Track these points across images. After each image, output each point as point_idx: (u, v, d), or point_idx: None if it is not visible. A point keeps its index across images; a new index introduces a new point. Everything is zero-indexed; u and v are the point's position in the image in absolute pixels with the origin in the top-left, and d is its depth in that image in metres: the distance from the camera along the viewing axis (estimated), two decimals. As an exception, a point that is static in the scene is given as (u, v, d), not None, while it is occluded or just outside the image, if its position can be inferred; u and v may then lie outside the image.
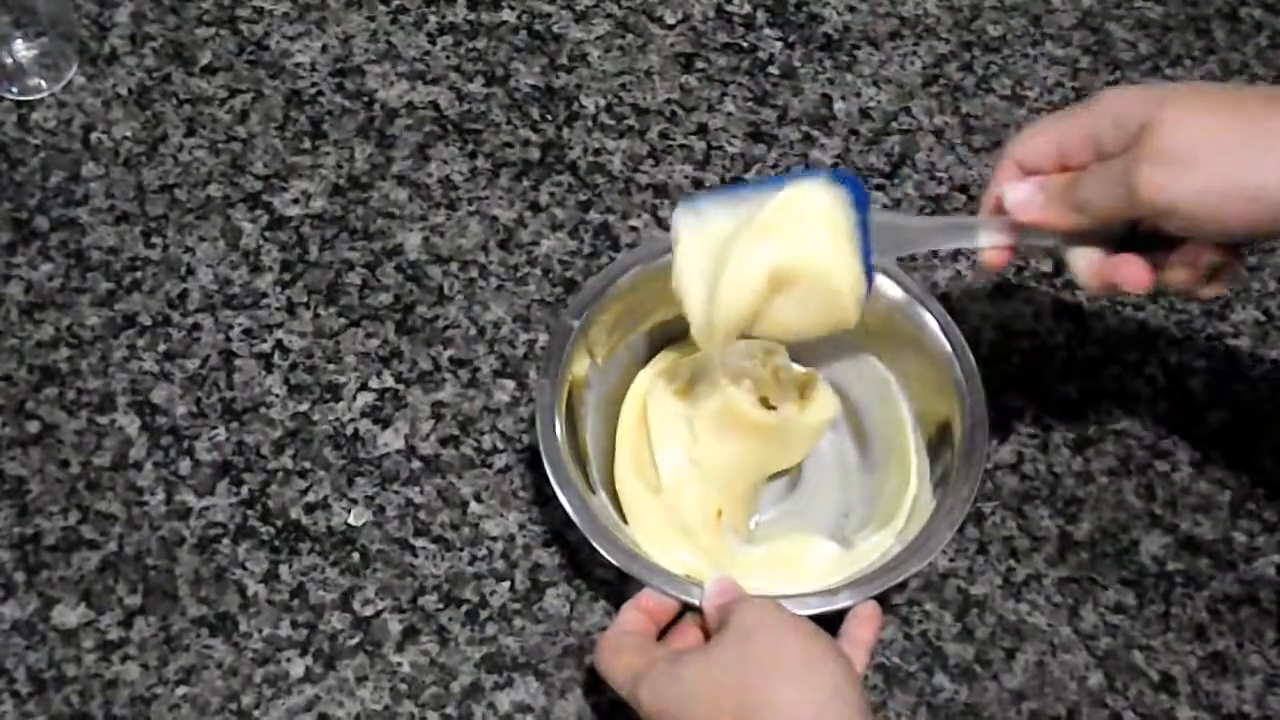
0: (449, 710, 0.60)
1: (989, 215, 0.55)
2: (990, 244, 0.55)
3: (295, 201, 0.74)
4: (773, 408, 0.63)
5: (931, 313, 0.62)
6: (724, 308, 0.55)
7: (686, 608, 0.56)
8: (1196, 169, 0.48)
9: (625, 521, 0.61)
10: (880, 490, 0.63)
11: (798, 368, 0.66)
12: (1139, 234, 0.51)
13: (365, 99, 0.78)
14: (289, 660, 0.61)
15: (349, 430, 0.67)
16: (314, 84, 0.79)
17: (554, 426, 0.59)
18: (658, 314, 0.65)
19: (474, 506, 0.65)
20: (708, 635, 0.54)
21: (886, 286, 0.62)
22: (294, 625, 0.62)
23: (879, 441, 0.65)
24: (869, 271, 0.54)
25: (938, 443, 0.61)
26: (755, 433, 0.62)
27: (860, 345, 0.64)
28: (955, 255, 0.74)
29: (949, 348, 0.61)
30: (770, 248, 0.54)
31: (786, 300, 0.55)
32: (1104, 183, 0.50)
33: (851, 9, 0.84)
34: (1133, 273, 0.52)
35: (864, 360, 0.65)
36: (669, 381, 0.64)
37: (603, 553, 0.56)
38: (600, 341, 0.63)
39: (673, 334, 0.66)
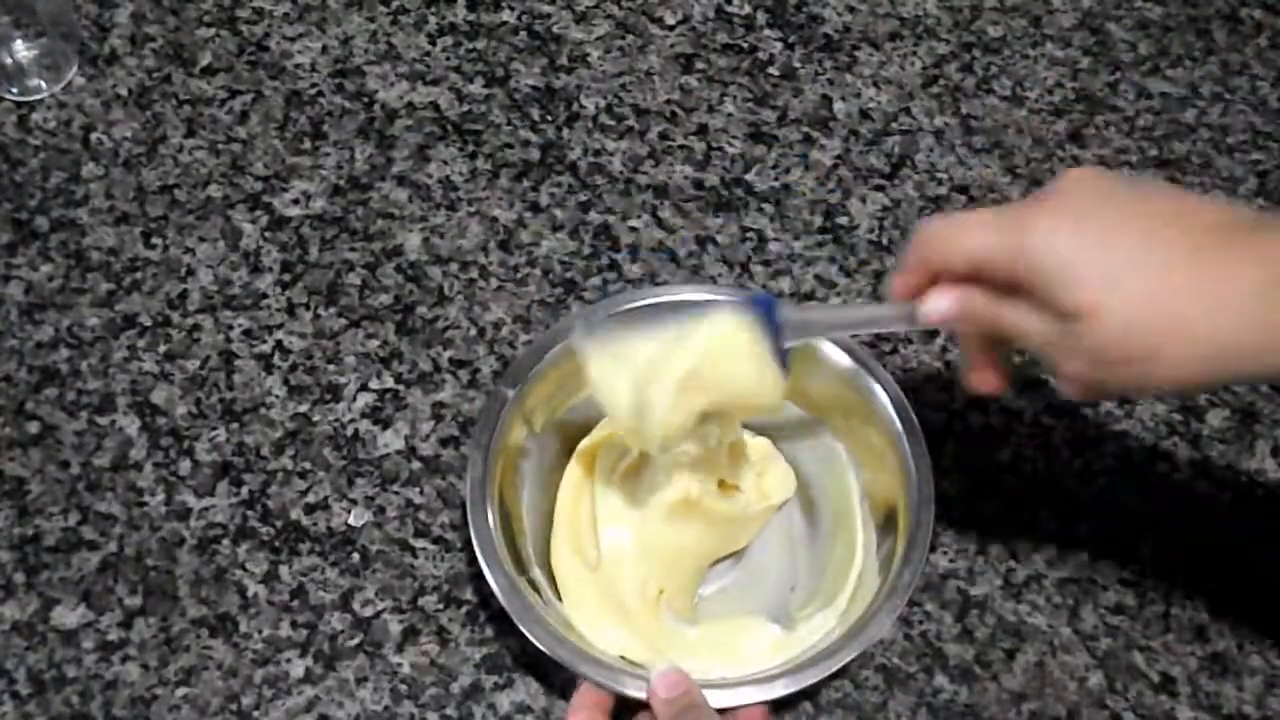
0: (449, 711, 0.60)
1: (897, 299, 0.52)
2: (898, 329, 0.56)
3: (295, 202, 0.74)
4: (732, 486, 0.62)
5: (881, 385, 0.60)
6: (656, 437, 0.55)
7: (622, 700, 0.54)
8: (1159, 363, 0.44)
9: (560, 597, 0.59)
10: (826, 563, 0.62)
11: (751, 440, 0.64)
12: None
13: (365, 100, 0.78)
14: (289, 661, 0.61)
15: (349, 431, 0.67)
16: (314, 85, 0.79)
17: (485, 502, 0.57)
18: None
19: (474, 507, 0.65)
20: None
21: (835, 355, 0.61)
22: (294, 626, 0.62)
23: (826, 512, 0.63)
24: (784, 361, 0.56)
25: (884, 517, 0.60)
26: (709, 521, 0.61)
27: (809, 413, 0.63)
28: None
29: (898, 424, 0.59)
30: (696, 398, 0.55)
31: (715, 417, 0.58)
32: (1038, 348, 0.47)
33: (851, 9, 0.84)
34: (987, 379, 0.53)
35: (813, 428, 0.63)
36: (616, 457, 0.62)
37: (531, 639, 0.54)
38: (538, 409, 0.61)
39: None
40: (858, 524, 0.61)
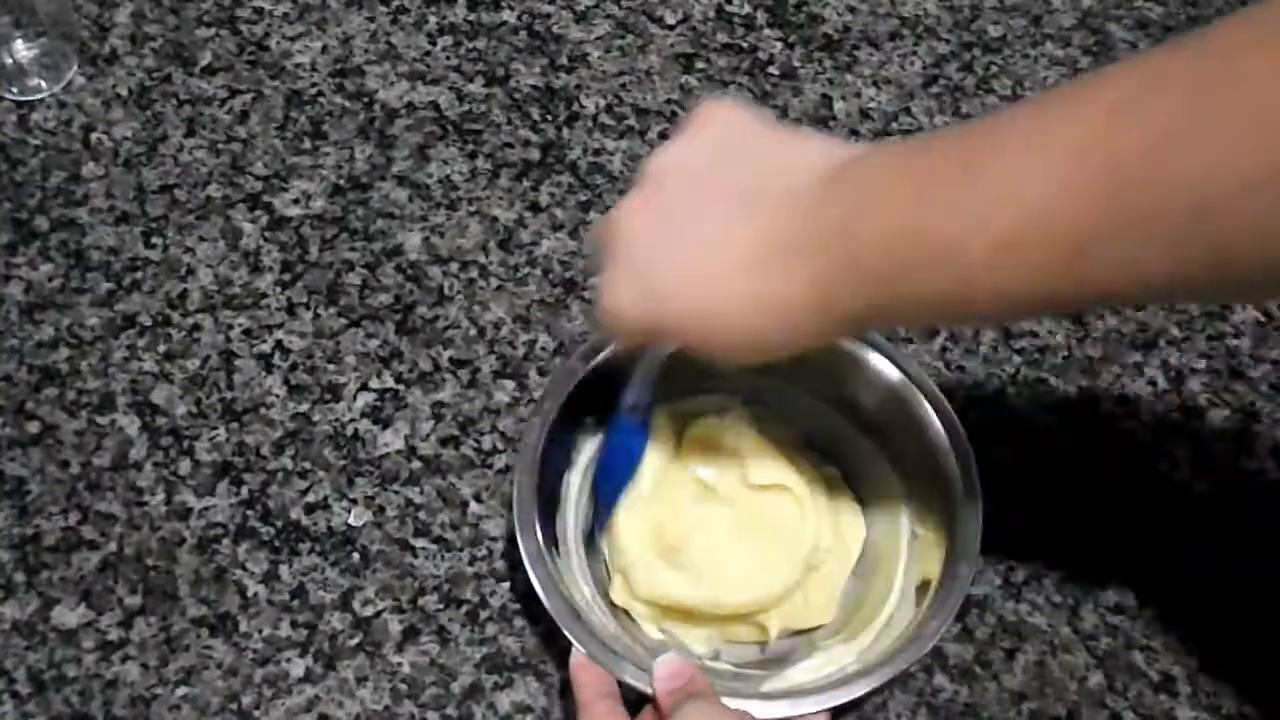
0: (449, 711, 0.60)
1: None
2: None
3: (295, 202, 0.74)
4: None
5: (933, 404, 0.59)
6: None
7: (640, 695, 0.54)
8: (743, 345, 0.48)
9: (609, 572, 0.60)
10: (862, 598, 0.61)
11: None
12: None
13: (365, 99, 0.78)
14: (289, 660, 0.61)
15: (349, 431, 0.67)
16: (314, 84, 0.79)
17: (534, 470, 0.57)
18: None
19: (474, 507, 0.65)
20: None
21: (886, 369, 0.60)
22: (294, 625, 0.62)
23: (873, 546, 0.62)
24: None
25: (925, 561, 0.59)
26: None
27: (875, 446, 0.62)
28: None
29: (957, 471, 0.58)
30: None
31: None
32: None
33: (851, 9, 0.84)
34: None
35: (878, 464, 0.62)
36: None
37: (545, 602, 0.55)
38: (605, 388, 0.60)
39: (688, 381, 0.64)
40: (900, 566, 0.60)
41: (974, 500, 0.58)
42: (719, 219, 0.47)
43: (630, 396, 0.58)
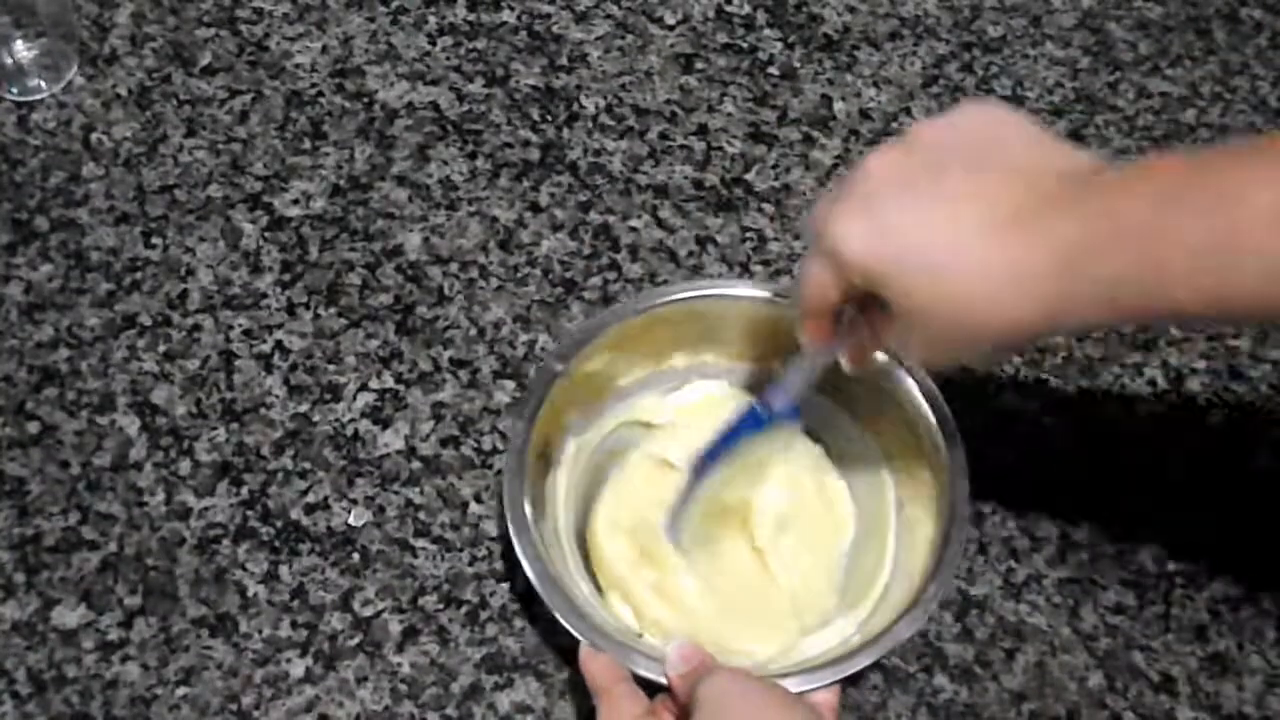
0: (449, 711, 0.60)
1: (818, 344, 0.55)
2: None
3: (295, 202, 0.74)
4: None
5: (920, 387, 0.59)
6: None
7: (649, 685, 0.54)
8: (980, 338, 0.47)
9: (590, 572, 0.60)
10: (855, 569, 0.61)
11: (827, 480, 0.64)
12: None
13: (365, 100, 0.78)
14: (289, 661, 0.61)
15: (349, 431, 0.67)
16: (314, 85, 0.79)
17: (521, 471, 0.58)
18: (651, 363, 0.64)
19: (474, 507, 0.65)
20: (680, 708, 0.52)
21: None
22: (294, 626, 0.62)
23: (861, 517, 0.63)
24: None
25: (916, 529, 0.59)
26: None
27: (854, 419, 0.63)
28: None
29: (939, 435, 0.58)
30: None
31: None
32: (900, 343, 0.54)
33: (851, 9, 0.84)
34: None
35: (858, 437, 0.63)
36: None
37: (546, 600, 0.55)
38: (586, 387, 0.62)
39: (669, 384, 0.65)
40: (890, 534, 0.60)
41: (960, 463, 0.58)
42: (968, 181, 0.47)
43: (775, 398, 0.57)
